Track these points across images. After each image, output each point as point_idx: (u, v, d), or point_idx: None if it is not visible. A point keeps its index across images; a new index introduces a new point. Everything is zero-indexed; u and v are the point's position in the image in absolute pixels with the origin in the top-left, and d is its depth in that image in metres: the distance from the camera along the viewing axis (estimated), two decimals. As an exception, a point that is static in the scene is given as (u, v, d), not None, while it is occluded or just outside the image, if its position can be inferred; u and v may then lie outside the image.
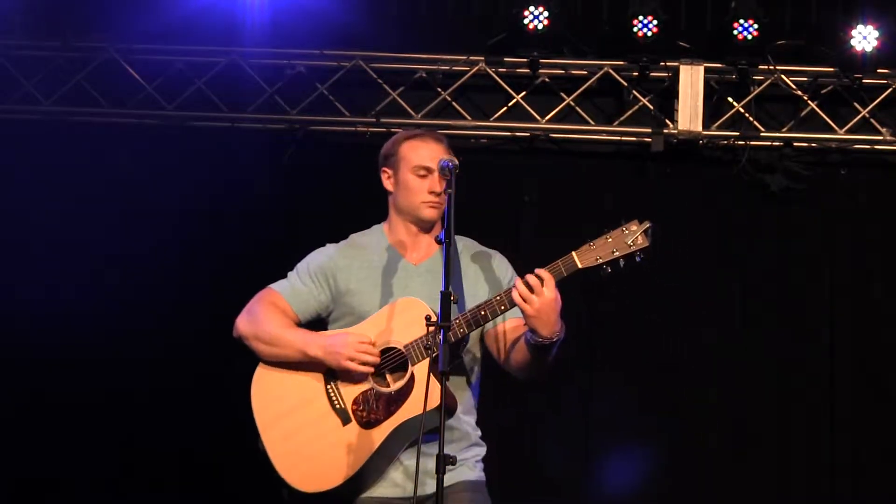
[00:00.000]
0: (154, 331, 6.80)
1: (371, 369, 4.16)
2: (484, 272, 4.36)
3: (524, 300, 3.98)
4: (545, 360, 4.14)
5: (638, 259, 4.03)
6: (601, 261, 4.03)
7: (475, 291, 4.30)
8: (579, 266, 4.05)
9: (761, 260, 6.98)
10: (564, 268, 4.05)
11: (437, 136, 4.47)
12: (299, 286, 4.41)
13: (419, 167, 4.35)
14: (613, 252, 4.02)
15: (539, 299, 3.98)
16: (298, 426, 4.24)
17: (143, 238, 6.84)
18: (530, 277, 4.00)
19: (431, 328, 3.97)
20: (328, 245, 4.49)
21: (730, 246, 6.97)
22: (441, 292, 3.92)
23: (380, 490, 4.22)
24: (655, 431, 6.81)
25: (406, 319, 4.16)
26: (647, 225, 4.03)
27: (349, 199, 6.83)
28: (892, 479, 6.79)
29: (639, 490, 6.70)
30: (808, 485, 6.84)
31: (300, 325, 4.41)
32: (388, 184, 4.43)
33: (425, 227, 4.39)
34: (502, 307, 4.10)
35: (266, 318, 4.35)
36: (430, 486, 4.08)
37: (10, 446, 6.74)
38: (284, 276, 4.49)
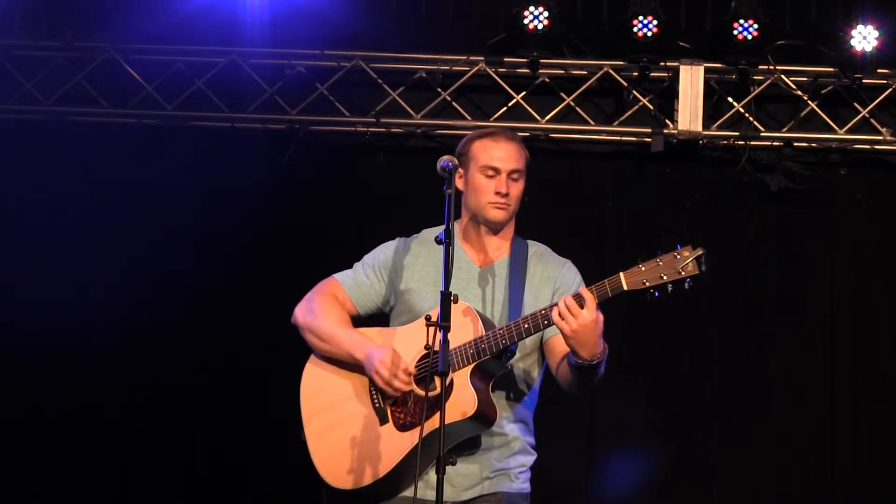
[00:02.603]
0: (154, 330, 6.80)
1: (396, 393, 4.13)
2: (550, 280, 4.31)
3: (562, 318, 3.93)
4: (587, 381, 4.10)
5: (687, 286, 3.95)
6: (648, 285, 3.96)
7: (537, 298, 4.25)
8: (625, 288, 3.98)
9: (761, 260, 6.98)
10: (610, 288, 3.99)
11: (509, 135, 4.41)
12: (362, 279, 4.39)
13: (486, 167, 4.28)
14: (662, 277, 3.94)
15: (577, 320, 3.92)
16: (338, 421, 4.23)
17: (143, 237, 6.83)
18: (569, 297, 3.95)
19: (479, 338, 4.01)
20: (397, 238, 4.45)
21: (730, 246, 6.97)
22: (441, 293, 3.90)
23: (419, 491, 4.13)
24: (655, 432, 6.81)
25: (456, 324, 4.02)
26: (699, 252, 3.94)
27: (349, 198, 6.84)
28: (892, 479, 6.79)
29: (640, 491, 6.70)
30: (808, 485, 6.84)
31: (360, 317, 4.40)
32: (459, 183, 4.33)
33: (494, 228, 4.33)
34: (545, 322, 4.04)
35: (323, 312, 4.33)
36: (465, 495, 4.13)
37: (9, 446, 6.75)
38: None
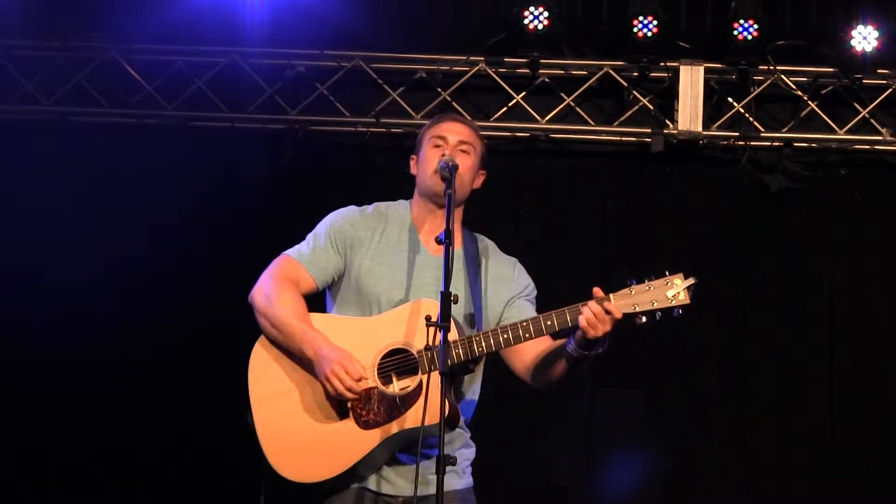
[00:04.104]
0: (154, 330, 6.80)
1: (350, 396, 4.06)
2: (506, 280, 4.31)
3: (591, 326, 3.90)
4: (581, 371, 4.09)
5: (676, 315, 3.93)
6: (639, 310, 3.92)
7: (496, 297, 4.25)
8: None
9: (761, 260, 6.98)
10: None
11: (458, 116, 4.46)
12: (318, 252, 4.30)
13: (435, 137, 4.29)
14: (653, 303, 3.91)
15: (604, 326, 3.91)
16: (293, 410, 4.15)
17: (143, 238, 6.83)
18: (595, 305, 3.90)
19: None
20: (352, 208, 4.39)
21: (730, 246, 6.97)
22: (441, 292, 3.90)
23: (376, 484, 4.15)
24: (655, 433, 6.81)
25: (422, 324, 4.03)
26: (691, 281, 3.93)
27: (349, 199, 6.82)
28: (892, 479, 6.79)
29: (641, 494, 6.70)
30: (807, 485, 6.84)
31: (318, 292, 4.31)
32: (413, 169, 4.36)
33: (441, 205, 4.21)
34: (550, 327, 4.01)
35: (280, 299, 4.22)
36: (420, 490, 4.01)
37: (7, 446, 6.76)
38: None
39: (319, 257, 4.31)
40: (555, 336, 4.12)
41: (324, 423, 4.12)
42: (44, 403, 6.77)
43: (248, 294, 4.38)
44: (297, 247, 4.37)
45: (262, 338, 4.29)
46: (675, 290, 3.92)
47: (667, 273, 3.94)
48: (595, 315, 3.90)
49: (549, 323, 4.03)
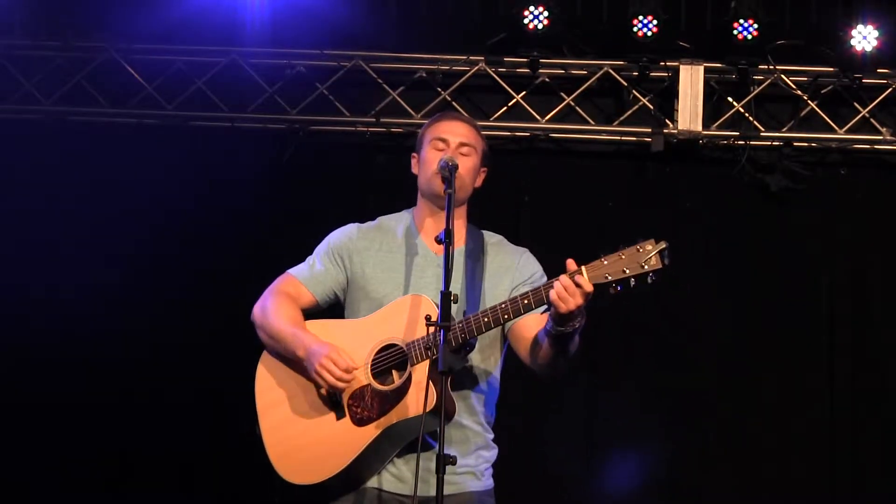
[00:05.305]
0: (154, 331, 6.80)
1: (342, 385, 4.10)
2: (509, 269, 4.31)
3: (561, 299, 3.87)
4: (568, 349, 4.05)
5: (650, 280, 3.89)
6: (611, 279, 3.89)
7: (497, 288, 4.25)
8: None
9: (761, 260, 6.98)
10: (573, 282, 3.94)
11: (459, 115, 4.47)
12: (318, 269, 4.36)
13: (436, 139, 4.30)
14: (624, 271, 3.88)
15: (574, 300, 3.88)
16: (294, 415, 4.21)
17: (143, 238, 6.83)
18: (566, 279, 3.89)
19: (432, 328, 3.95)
20: (351, 224, 4.43)
21: (730, 246, 6.97)
22: (441, 292, 3.90)
23: (384, 483, 4.16)
24: (656, 430, 6.81)
25: (416, 317, 4.08)
26: (662, 245, 3.90)
27: (349, 199, 6.85)
28: (892, 479, 6.79)
29: (641, 489, 6.70)
30: (807, 485, 6.84)
31: (320, 308, 4.36)
32: (415, 168, 4.37)
33: (443, 206, 4.19)
34: (515, 312, 4.01)
35: (275, 310, 4.30)
36: (433, 488, 3.96)
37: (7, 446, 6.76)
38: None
39: (318, 273, 4.36)
40: None
41: (321, 424, 4.16)
42: (44, 404, 6.77)
43: (248, 291, 4.43)
44: (298, 266, 4.43)
45: (264, 352, 4.35)
46: (646, 255, 3.90)
47: (639, 240, 3.92)
48: (565, 288, 3.89)
49: (525, 302, 4.01)
